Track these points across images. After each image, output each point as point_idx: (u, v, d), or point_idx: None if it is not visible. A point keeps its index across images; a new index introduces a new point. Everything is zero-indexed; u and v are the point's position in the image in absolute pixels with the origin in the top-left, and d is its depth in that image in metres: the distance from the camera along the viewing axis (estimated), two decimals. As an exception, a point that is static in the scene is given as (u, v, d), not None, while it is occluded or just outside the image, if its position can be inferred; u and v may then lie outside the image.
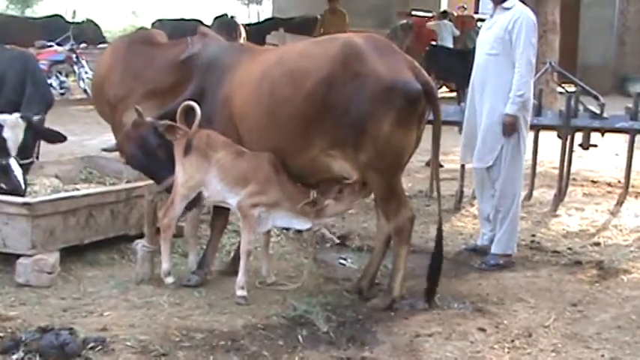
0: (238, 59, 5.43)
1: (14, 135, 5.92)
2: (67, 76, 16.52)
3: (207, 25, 17.83)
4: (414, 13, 20.42)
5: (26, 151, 6.07)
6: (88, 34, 17.68)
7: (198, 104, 5.29)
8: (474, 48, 6.39)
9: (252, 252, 5.30)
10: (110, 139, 6.66)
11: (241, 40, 13.76)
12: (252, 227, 5.10)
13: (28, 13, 37.11)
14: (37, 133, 6.25)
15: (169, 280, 5.33)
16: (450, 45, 18.56)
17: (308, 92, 4.93)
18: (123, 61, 6.80)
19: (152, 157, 5.43)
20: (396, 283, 5.12)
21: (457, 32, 18.85)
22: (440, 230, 5.22)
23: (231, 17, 17.85)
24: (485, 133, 6.07)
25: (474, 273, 5.95)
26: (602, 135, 7.96)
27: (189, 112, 5.30)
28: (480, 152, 6.13)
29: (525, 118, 6.10)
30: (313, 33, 15.86)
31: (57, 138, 6.39)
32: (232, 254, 5.82)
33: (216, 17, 17.83)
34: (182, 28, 13.68)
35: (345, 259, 6.24)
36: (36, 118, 6.17)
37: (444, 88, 18.30)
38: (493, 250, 6.17)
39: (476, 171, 6.33)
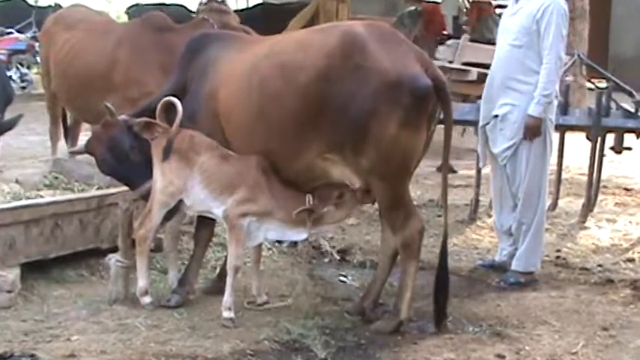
0: (225, 49, 5.46)
1: None
2: (29, 67, 16.50)
3: (191, 11, 17.87)
4: (423, -2, 20.42)
5: None
6: (54, 20, 17.68)
7: (180, 100, 5.33)
8: (492, 39, 6.41)
9: (241, 268, 5.32)
10: (81, 138, 6.68)
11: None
12: (240, 240, 5.12)
13: (-15, -4, 37.12)
14: None
15: (146, 299, 5.35)
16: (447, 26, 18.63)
17: (302, 88, 4.96)
18: (141, 50, 6.84)
19: (126, 160, 5.45)
20: (403, 303, 5.14)
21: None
22: (445, 243, 5.24)
23: (222, 1, 17.82)
24: (501, 131, 6.12)
25: (492, 292, 5.97)
26: (638, 137, 7.97)
27: (169, 109, 5.33)
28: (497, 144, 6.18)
29: (550, 119, 6.13)
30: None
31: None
32: (218, 270, 5.85)
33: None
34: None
35: (345, 276, 6.27)
36: None
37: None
38: (514, 266, 6.20)
39: (494, 179, 6.36)
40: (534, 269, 6.21)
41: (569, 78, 8.41)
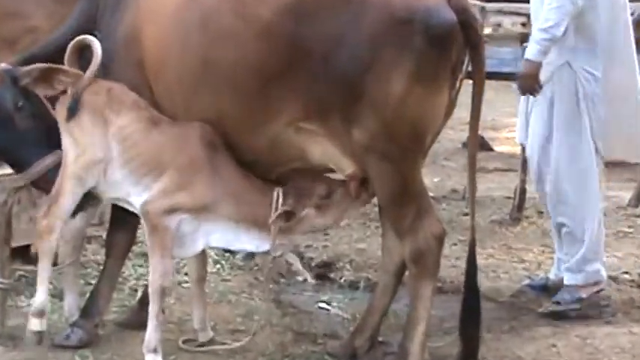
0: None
1: None
2: None
3: None
4: None
5: None
6: None
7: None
8: None
9: (171, 289, 5.31)
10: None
11: None
12: (166, 247, 5.06)
13: None
14: None
15: (36, 325, 5.21)
16: None
17: (266, 28, 4.94)
18: None
19: (10, 127, 5.40)
20: (414, 342, 5.14)
21: None
22: (473, 253, 5.26)
23: None
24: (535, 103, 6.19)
25: (544, 326, 5.99)
26: None
27: (82, 51, 5.30)
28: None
29: (592, 74, 6.14)
30: None
31: None
32: (140, 294, 5.85)
33: None
34: None
35: (328, 303, 6.31)
36: None
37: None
38: (567, 280, 6.22)
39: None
40: (600, 278, 6.23)
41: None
